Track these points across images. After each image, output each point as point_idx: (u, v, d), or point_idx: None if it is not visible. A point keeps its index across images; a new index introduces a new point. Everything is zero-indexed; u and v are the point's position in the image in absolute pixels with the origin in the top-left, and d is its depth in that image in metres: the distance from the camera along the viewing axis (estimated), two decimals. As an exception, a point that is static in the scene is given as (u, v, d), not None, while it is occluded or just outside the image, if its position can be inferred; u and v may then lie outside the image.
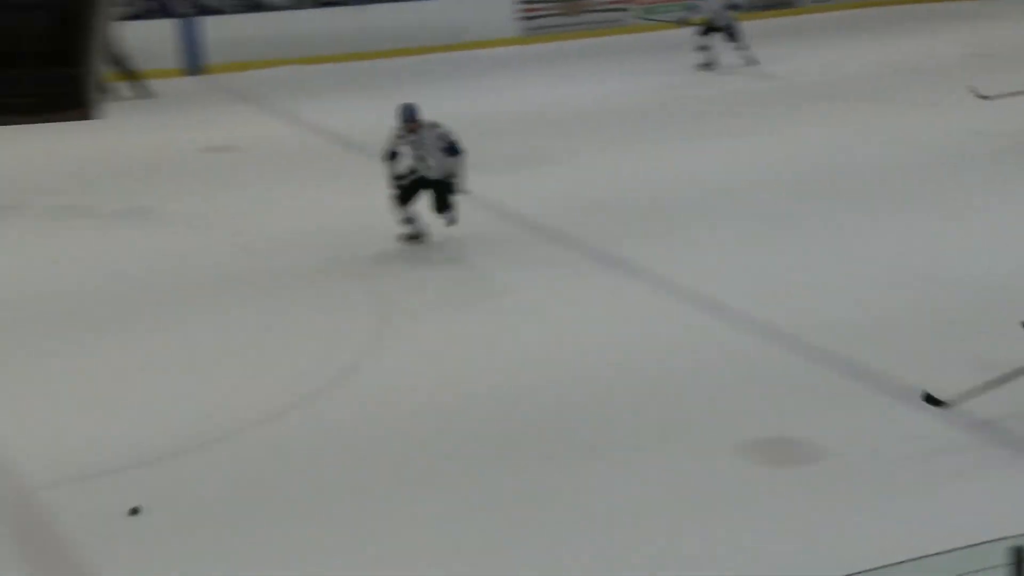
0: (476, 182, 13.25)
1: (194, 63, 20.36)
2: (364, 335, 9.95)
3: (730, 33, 19.80)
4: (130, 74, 18.58)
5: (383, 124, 16.40)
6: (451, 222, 11.79)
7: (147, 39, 19.63)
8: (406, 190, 11.62)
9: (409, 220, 11.71)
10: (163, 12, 20.25)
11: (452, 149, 11.53)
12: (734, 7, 19.86)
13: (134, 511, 7.33)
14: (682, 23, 19.93)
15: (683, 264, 11.14)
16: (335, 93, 19.14)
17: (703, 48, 19.79)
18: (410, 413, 8.53)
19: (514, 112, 17.89)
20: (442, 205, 11.65)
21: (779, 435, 7.87)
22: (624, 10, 23.22)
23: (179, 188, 14.28)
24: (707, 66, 19.81)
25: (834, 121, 16.59)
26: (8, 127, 16.62)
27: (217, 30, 20.54)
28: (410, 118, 11.52)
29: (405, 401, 8.72)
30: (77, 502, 7.48)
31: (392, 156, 11.62)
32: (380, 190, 12.00)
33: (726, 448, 7.73)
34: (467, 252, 11.91)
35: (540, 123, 17.16)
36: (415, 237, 11.81)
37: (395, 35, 21.74)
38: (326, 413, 8.61)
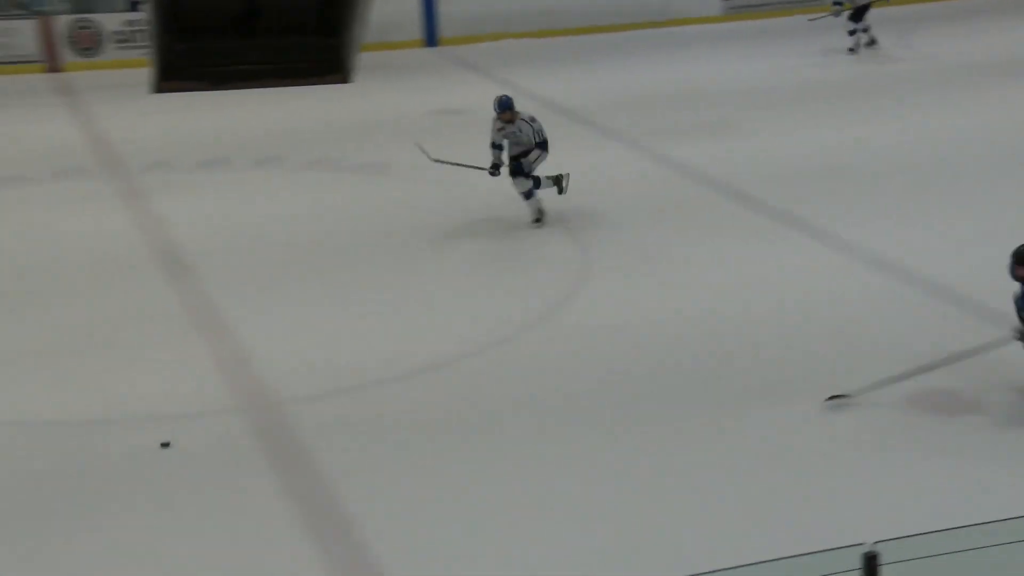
0: (673, 148, 13.44)
1: (432, 36, 20.84)
2: (564, 282, 10.21)
3: (858, 13, 18.95)
4: None
5: (591, 93, 16.71)
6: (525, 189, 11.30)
7: (394, 14, 20.18)
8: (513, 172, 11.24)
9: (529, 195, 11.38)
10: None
11: (542, 144, 11.16)
12: None
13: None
14: (836, 13, 19.34)
15: (861, 226, 11.08)
16: (551, 64, 19.18)
17: (863, 30, 19.26)
18: (602, 353, 8.75)
19: (711, 84, 17.78)
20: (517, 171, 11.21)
21: (946, 389, 7.74)
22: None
23: (413, 145, 14.71)
24: (871, 44, 19.24)
25: (1010, 98, 16.10)
26: (274, 88, 17.38)
27: (452, 7, 20.94)
28: (503, 109, 11.12)
29: (598, 342, 8.95)
30: (320, 415, 7.96)
31: (495, 147, 11.27)
32: (587, 151, 12.20)
33: (894, 398, 7.70)
34: (663, 210, 12.00)
35: (734, 94, 17.04)
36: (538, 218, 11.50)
37: (608, 12, 21.78)
38: (526, 349, 8.89)
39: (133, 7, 19.26)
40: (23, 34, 18.66)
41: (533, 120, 11.26)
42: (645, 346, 8.83)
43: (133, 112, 16.25)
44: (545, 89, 17.38)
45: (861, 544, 4.11)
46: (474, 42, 20.70)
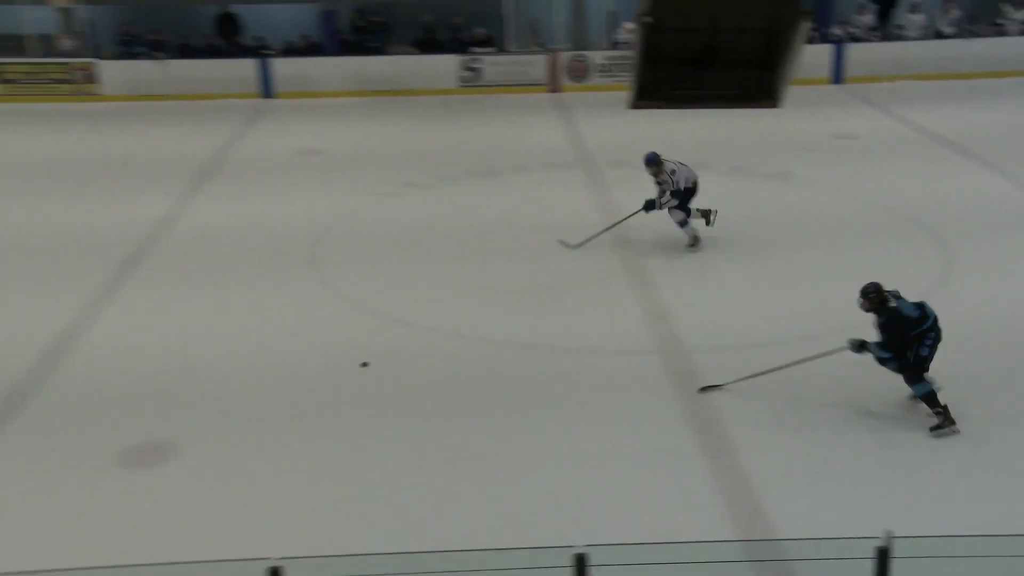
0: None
1: (838, 75, 19.72)
2: (925, 279, 9.44)
3: None
4: None
5: (971, 128, 15.25)
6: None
7: (810, 55, 19.23)
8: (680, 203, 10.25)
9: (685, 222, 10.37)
10: (821, 38, 19.77)
11: (676, 193, 10.07)
12: None
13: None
14: None
15: None
16: (940, 103, 17.63)
17: None
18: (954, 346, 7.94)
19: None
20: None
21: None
22: None
23: (815, 161, 13.97)
24: None
25: None
26: (715, 110, 17.03)
27: (859, 53, 19.68)
28: (647, 164, 10.17)
29: (952, 336, 8.13)
30: (717, 362, 7.82)
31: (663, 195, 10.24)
32: (961, 175, 11.11)
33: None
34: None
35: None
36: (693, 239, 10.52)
37: (993, 60, 19.67)
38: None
39: (614, 46, 19.61)
40: (536, 65, 19.51)
41: (674, 172, 10.13)
42: (998, 343, 7.95)
43: (607, 123, 16.56)
44: (932, 123, 16.05)
45: None
46: (874, 81, 19.39)
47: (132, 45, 19.27)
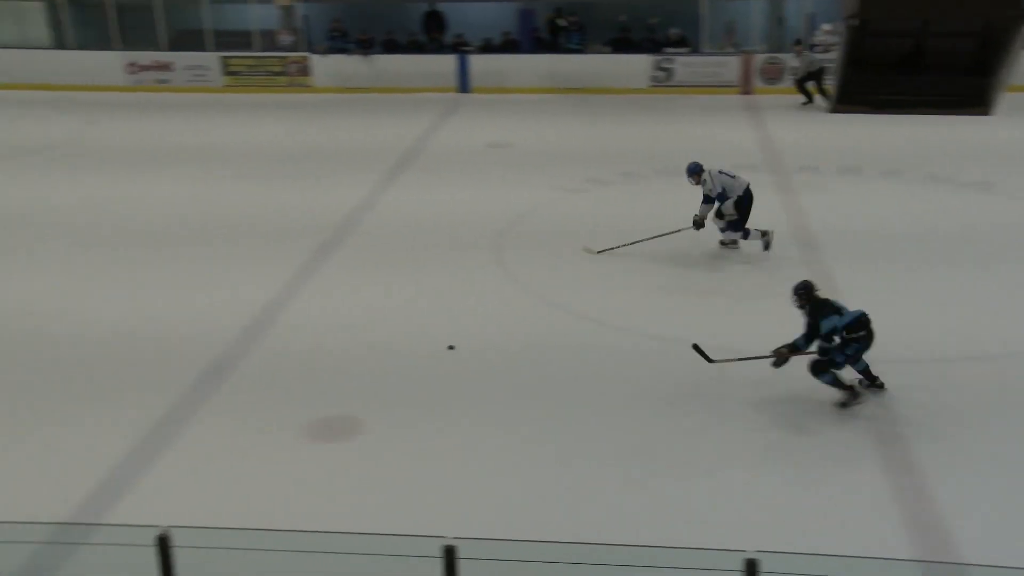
0: None
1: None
2: None
3: None
4: (820, 88, 17.23)
5: None
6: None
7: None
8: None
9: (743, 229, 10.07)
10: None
11: (707, 199, 9.90)
12: None
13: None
14: None
15: None
16: None
17: None
18: None
19: None
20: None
21: None
22: None
23: (1022, 171, 13.02)
24: None
25: None
26: (918, 116, 16.06)
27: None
28: (689, 174, 9.97)
29: None
30: (899, 376, 7.35)
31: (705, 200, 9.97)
32: None
33: None
34: None
35: None
36: (732, 243, 10.25)
37: None
38: None
39: (811, 49, 18.85)
40: (729, 67, 19.06)
41: (704, 183, 9.93)
42: None
43: (798, 127, 16.00)
44: None
45: None
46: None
47: (341, 41, 20.11)
